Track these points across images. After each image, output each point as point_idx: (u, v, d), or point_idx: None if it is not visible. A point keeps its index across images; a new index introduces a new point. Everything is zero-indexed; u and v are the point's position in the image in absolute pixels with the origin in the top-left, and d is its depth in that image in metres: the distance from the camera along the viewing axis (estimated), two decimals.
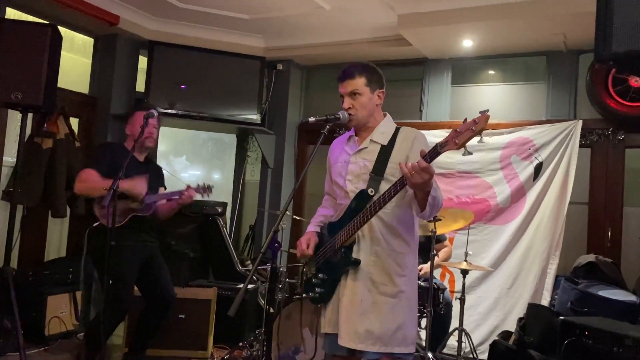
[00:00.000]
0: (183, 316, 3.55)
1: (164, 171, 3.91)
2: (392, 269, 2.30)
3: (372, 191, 2.28)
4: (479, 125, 1.94)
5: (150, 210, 3.55)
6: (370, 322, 2.25)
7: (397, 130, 2.41)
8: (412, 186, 2.07)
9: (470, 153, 2.00)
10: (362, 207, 2.27)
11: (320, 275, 2.40)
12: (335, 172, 2.49)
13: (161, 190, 3.77)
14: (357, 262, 2.28)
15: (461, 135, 1.97)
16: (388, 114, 2.50)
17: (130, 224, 3.46)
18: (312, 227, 2.55)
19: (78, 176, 3.48)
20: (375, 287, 2.28)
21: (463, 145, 1.98)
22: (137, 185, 3.40)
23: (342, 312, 2.30)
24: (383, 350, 2.24)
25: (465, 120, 1.99)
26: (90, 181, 3.36)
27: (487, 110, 1.95)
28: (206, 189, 3.59)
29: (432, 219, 3.53)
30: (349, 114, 2.38)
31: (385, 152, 2.34)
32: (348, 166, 2.41)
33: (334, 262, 2.36)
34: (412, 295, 2.37)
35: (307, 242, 2.43)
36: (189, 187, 3.55)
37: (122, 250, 3.37)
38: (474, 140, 2.02)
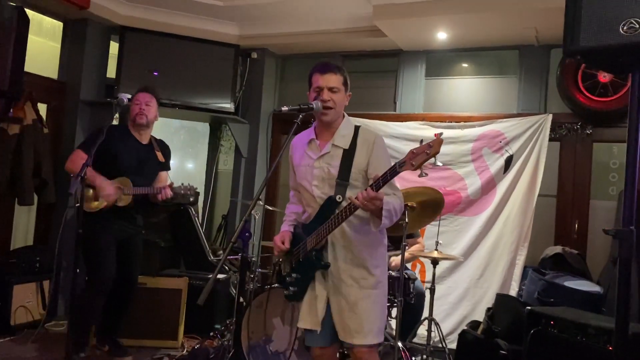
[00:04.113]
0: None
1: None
2: (367, 262, 2.42)
3: (339, 198, 2.37)
4: (434, 149, 2.05)
5: (128, 202, 3.59)
6: (358, 317, 2.36)
7: (356, 132, 2.48)
8: (369, 212, 2.24)
9: (425, 174, 2.14)
10: (330, 213, 2.36)
11: (294, 275, 2.50)
12: (300, 175, 2.54)
13: (163, 175, 3.84)
14: (326, 266, 2.40)
15: (417, 157, 2.09)
16: (347, 115, 2.55)
17: (110, 209, 3.53)
18: (286, 227, 2.63)
19: (70, 156, 3.60)
20: (356, 283, 2.40)
21: (419, 167, 2.10)
22: (105, 190, 3.47)
23: (334, 310, 2.40)
24: (370, 342, 2.36)
25: (422, 142, 2.11)
26: (75, 161, 3.42)
27: (441, 134, 2.07)
28: (189, 189, 3.61)
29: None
30: (327, 107, 2.41)
31: (348, 156, 2.42)
32: (313, 171, 2.46)
33: (306, 263, 2.45)
34: (386, 283, 2.53)
35: (281, 239, 2.52)
36: (167, 186, 3.60)
37: (98, 227, 3.47)
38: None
